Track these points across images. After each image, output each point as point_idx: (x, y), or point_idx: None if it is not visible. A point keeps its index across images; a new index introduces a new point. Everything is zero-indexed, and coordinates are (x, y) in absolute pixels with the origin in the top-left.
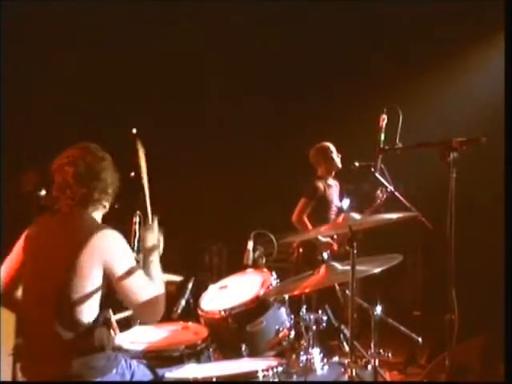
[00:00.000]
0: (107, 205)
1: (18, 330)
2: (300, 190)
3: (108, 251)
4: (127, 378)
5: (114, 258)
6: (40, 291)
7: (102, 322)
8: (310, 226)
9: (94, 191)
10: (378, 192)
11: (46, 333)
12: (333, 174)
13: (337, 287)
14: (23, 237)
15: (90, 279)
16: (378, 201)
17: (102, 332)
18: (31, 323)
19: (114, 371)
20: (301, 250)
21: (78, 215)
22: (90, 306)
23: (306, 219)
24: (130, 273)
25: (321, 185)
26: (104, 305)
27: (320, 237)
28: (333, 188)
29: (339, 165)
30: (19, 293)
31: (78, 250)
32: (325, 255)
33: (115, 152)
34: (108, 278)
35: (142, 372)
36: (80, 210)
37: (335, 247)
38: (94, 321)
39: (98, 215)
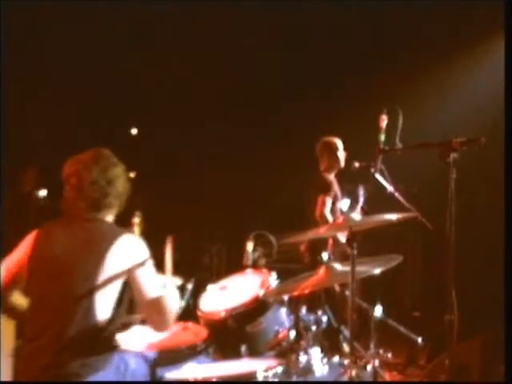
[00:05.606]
0: (116, 211)
1: (18, 331)
2: (307, 185)
3: (134, 254)
4: (122, 370)
5: (138, 260)
6: (60, 292)
7: (123, 325)
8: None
9: (107, 196)
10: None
11: (54, 332)
12: (334, 171)
13: (337, 288)
14: (31, 240)
15: (117, 282)
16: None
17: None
18: (39, 323)
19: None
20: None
21: (100, 220)
22: (108, 307)
23: (329, 215)
24: (146, 272)
25: (331, 179)
26: (130, 309)
27: (340, 236)
28: (336, 184)
29: (342, 164)
30: (15, 295)
31: (106, 253)
32: (325, 255)
33: (115, 152)
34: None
35: (136, 364)
36: (95, 215)
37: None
38: (110, 322)
39: (108, 220)
